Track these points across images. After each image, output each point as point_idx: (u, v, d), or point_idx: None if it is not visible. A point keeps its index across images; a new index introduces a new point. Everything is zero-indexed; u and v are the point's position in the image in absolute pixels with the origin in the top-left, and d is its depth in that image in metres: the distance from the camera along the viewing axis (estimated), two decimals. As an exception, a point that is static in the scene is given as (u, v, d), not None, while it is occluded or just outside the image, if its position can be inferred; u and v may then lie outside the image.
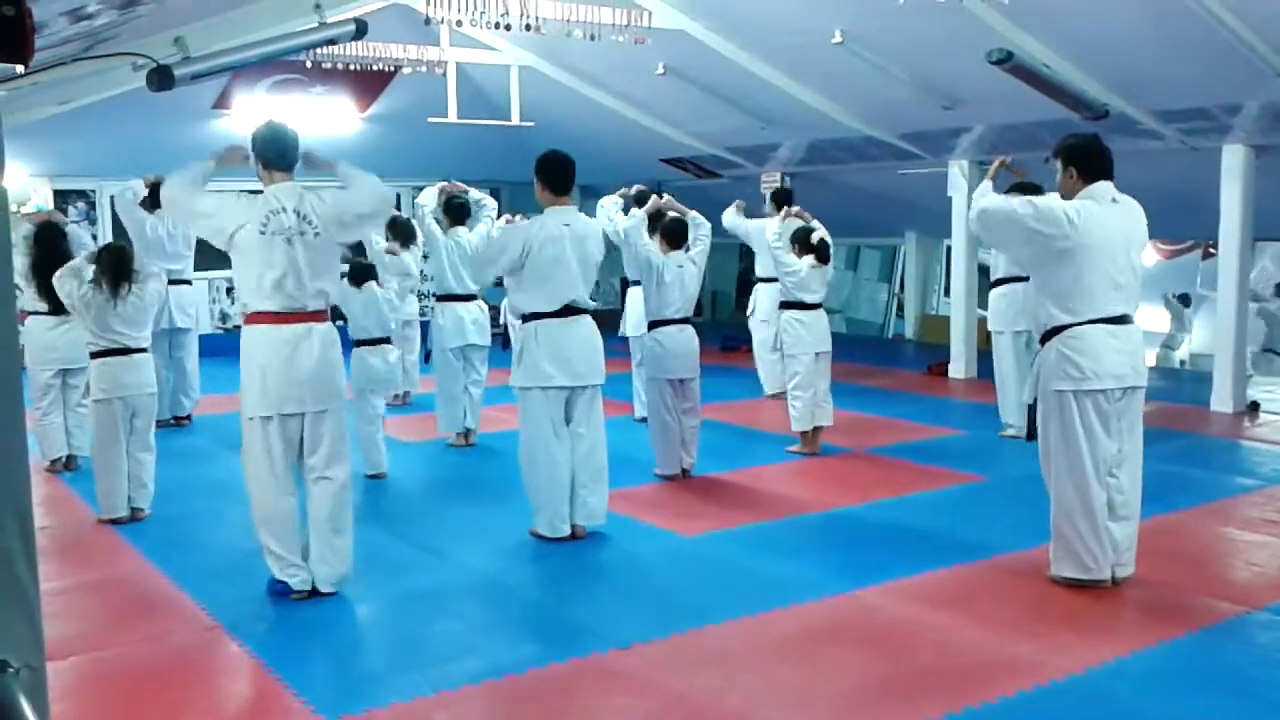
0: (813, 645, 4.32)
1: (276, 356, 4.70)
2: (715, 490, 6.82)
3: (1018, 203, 4.85)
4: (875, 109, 10.44)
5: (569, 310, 5.63)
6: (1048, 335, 4.86)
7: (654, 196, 7.35)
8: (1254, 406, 9.40)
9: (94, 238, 12.65)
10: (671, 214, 7.21)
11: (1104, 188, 4.84)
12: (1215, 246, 10.03)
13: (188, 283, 9.10)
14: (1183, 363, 14.95)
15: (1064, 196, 4.87)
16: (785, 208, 8.31)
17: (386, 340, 7.25)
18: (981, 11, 7.84)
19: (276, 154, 4.89)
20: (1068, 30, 8.04)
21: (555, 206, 5.65)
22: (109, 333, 6.16)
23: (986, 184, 5.23)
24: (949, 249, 12.18)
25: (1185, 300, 15.56)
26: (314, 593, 4.89)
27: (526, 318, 5.70)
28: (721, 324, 15.72)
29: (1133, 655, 4.18)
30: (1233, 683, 3.97)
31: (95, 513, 6.24)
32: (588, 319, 5.75)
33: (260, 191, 4.88)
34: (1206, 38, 7.41)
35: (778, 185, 12.87)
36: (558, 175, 5.64)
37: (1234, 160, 9.14)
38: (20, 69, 1.81)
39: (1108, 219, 4.75)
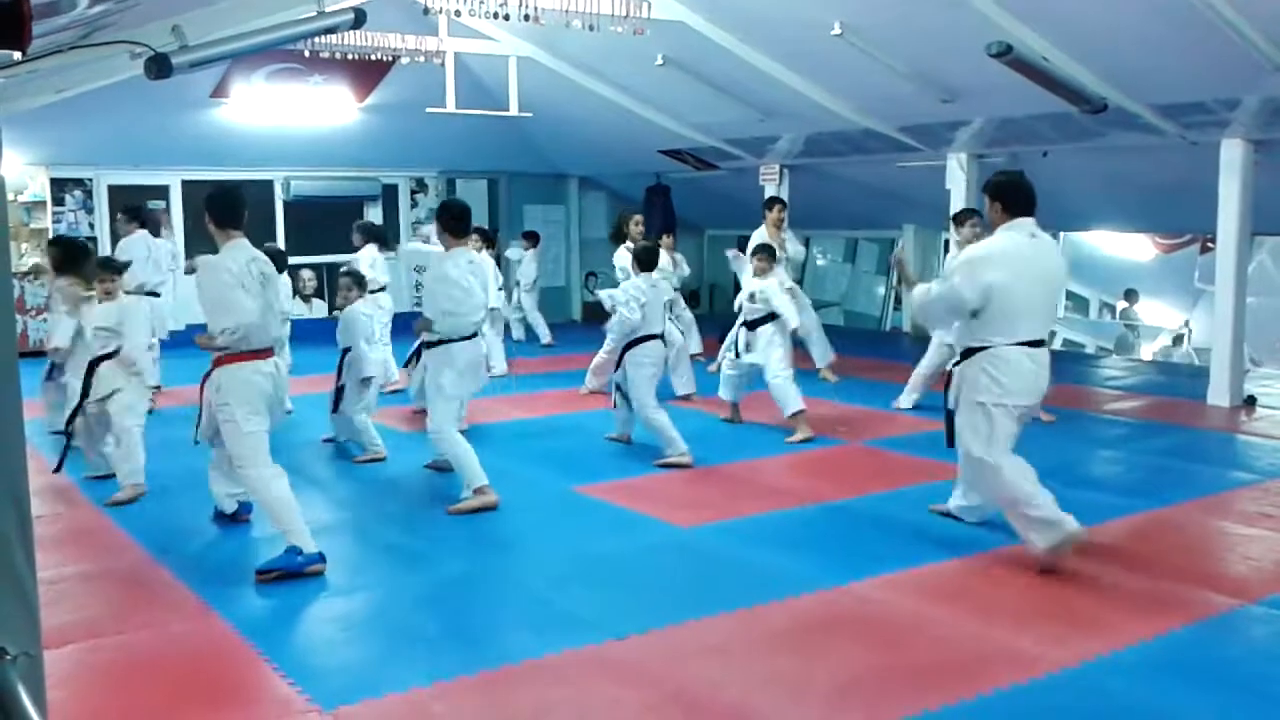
0: (809, 637, 4.33)
1: (261, 392, 5.20)
2: (712, 482, 6.82)
3: (955, 295, 5.14)
4: (874, 101, 10.43)
5: (475, 334, 6.40)
6: (970, 352, 5.20)
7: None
8: (1251, 401, 9.41)
9: (90, 225, 12.69)
10: (643, 242, 7.88)
11: (1025, 223, 5.21)
12: (1213, 241, 10.03)
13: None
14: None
15: (991, 226, 5.33)
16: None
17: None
18: (981, 4, 7.83)
19: (231, 215, 5.30)
20: (1067, 24, 8.03)
21: (458, 247, 6.34)
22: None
23: (918, 291, 5.52)
24: (947, 242, 12.19)
25: (1131, 296, 15.65)
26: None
27: (437, 342, 6.27)
28: (720, 316, 15.71)
29: (1128, 649, 4.18)
30: (1228, 676, 3.98)
31: (96, 502, 6.27)
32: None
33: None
34: (1206, 32, 7.40)
35: (775, 179, 12.92)
36: (459, 221, 6.39)
37: (1232, 154, 9.13)
38: (18, 55, 1.80)
39: (1030, 255, 5.13)
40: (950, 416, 5.44)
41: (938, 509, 5.96)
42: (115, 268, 6.87)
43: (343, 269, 8.32)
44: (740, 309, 8.38)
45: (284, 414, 7.28)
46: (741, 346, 8.20)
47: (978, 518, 5.74)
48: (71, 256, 6.99)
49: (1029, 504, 5.06)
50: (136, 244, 9.54)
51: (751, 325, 8.17)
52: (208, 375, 5.29)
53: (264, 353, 5.22)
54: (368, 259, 9.79)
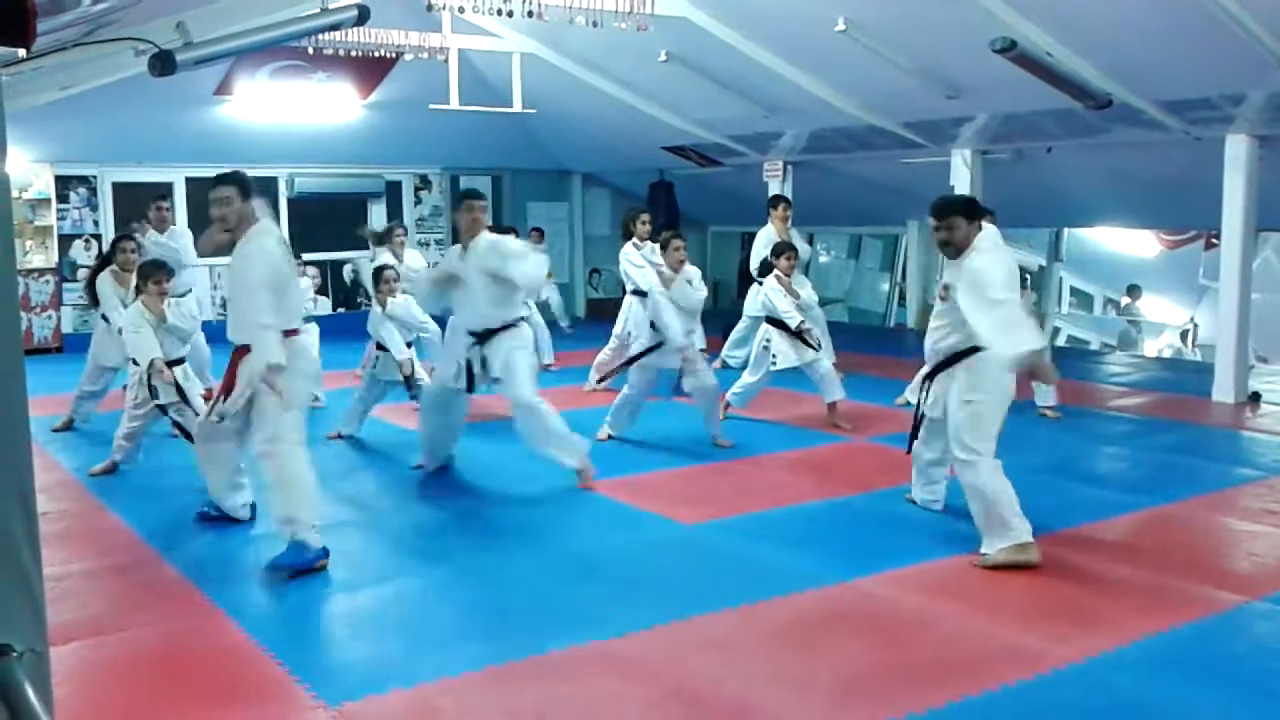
0: (812, 633, 4.33)
1: (308, 366, 5.43)
2: (716, 478, 6.82)
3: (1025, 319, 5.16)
4: (878, 97, 10.42)
5: None
6: (958, 356, 5.30)
7: None
8: (1255, 397, 9.39)
9: (95, 224, 12.70)
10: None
11: (992, 227, 5.38)
12: (1218, 237, 10.02)
13: None
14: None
15: (964, 239, 5.27)
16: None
17: None
18: (985, 0, 7.82)
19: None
20: (1071, 19, 8.02)
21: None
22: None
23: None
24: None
25: (1134, 291, 15.67)
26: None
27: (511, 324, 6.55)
28: (724, 313, 15.70)
29: (1133, 645, 4.18)
30: (1233, 672, 3.98)
31: (101, 498, 6.29)
32: None
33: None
34: (1210, 27, 7.39)
35: (779, 176, 12.92)
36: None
37: (1237, 150, 9.12)
38: (22, 53, 1.81)
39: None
40: (920, 420, 5.64)
41: (913, 498, 6.11)
42: (170, 270, 6.99)
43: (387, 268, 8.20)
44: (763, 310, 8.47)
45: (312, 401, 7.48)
46: (794, 352, 8.24)
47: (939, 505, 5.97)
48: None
49: (1008, 507, 5.09)
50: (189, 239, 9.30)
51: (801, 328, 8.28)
52: (243, 354, 5.25)
53: (291, 332, 5.25)
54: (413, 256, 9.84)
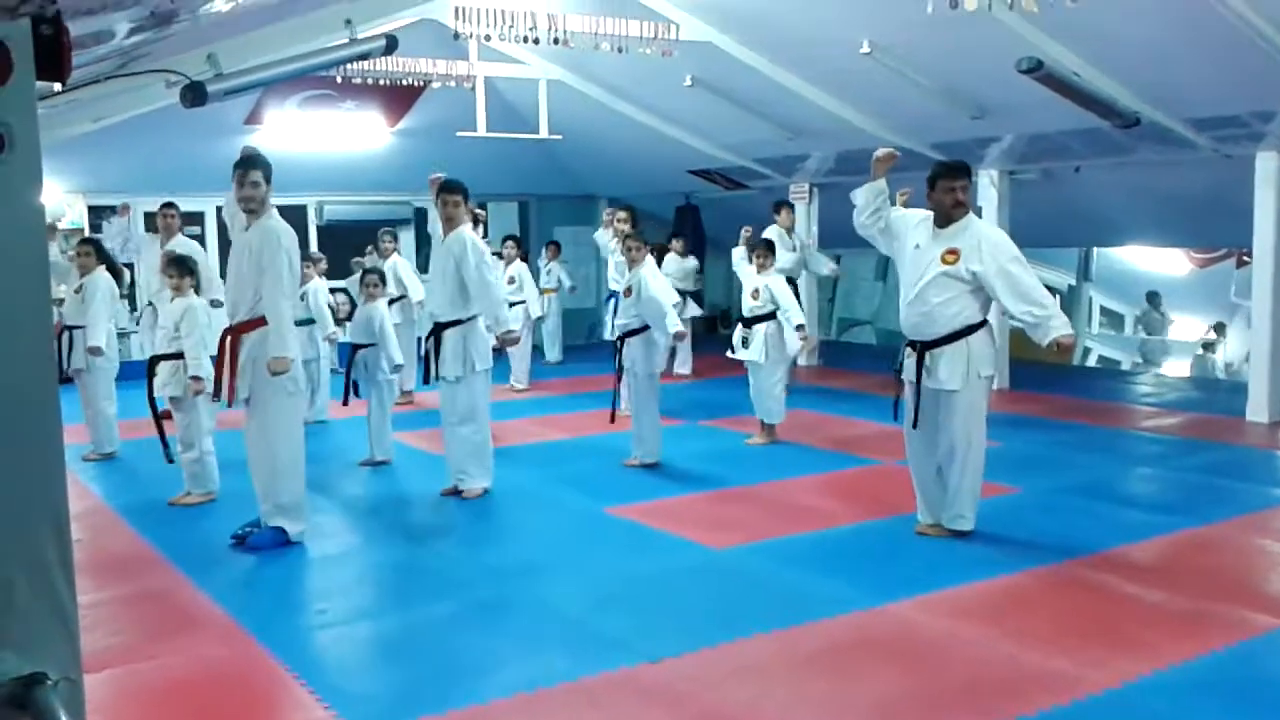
0: (844, 659, 4.29)
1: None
2: (745, 503, 6.79)
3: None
4: (904, 119, 10.41)
5: None
6: (974, 327, 5.67)
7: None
8: (1291, 417, 9.27)
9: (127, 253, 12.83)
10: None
11: None
12: (1249, 255, 9.92)
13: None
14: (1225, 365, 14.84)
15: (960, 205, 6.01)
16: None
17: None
18: (1011, 21, 7.80)
19: None
20: (1098, 39, 7.99)
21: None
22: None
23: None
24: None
25: (1154, 299, 15.49)
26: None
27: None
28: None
29: (1170, 669, 4.12)
30: (1274, 697, 3.92)
31: (132, 525, 6.33)
32: None
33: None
34: (1238, 44, 7.35)
35: (805, 198, 12.90)
36: None
37: (1268, 167, 9.04)
38: (58, 86, 1.84)
39: None
40: (922, 393, 5.90)
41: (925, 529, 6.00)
42: (189, 266, 7.08)
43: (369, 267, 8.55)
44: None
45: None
46: (737, 341, 8.30)
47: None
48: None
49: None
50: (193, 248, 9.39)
51: (749, 322, 8.28)
52: (236, 341, 5.63)
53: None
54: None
